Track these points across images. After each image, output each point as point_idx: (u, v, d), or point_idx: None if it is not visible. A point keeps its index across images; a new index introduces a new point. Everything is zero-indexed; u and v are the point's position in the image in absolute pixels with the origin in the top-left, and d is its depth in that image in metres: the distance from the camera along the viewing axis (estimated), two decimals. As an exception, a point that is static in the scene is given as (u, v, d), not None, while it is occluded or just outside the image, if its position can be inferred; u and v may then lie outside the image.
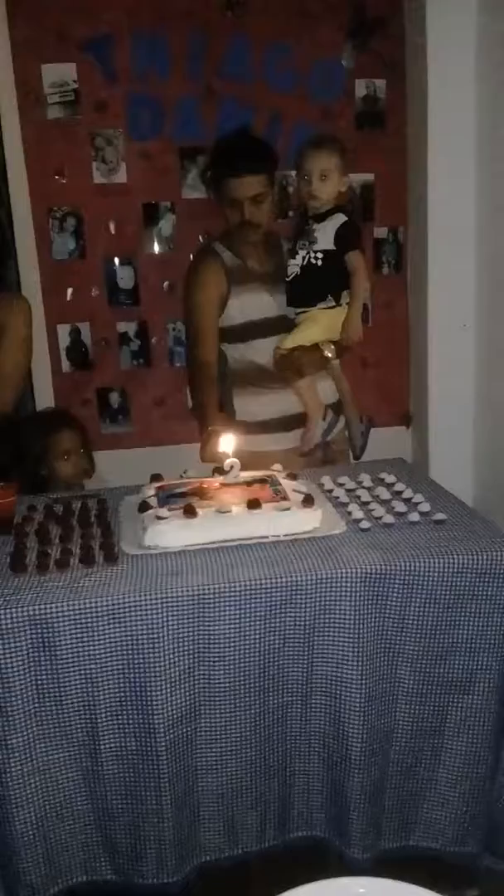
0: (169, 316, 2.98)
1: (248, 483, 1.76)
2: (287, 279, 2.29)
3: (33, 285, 2.84)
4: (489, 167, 2.66)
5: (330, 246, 2.19)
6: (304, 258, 2.23)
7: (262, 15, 2.80)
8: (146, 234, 2.93)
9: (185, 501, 1.65)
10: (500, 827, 1.59)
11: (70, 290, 2.93)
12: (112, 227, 2.91)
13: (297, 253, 2.25)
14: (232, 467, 1.76)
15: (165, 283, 2.97)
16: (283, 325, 2.32)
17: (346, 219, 2.20)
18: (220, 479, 1.78)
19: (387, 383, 3.11)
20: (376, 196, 3.01)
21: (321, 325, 2.27)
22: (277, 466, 1.91)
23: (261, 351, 2.34)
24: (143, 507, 1.67)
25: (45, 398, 2.93)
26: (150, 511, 1.64)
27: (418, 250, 2.91)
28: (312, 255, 2.21)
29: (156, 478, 1.86)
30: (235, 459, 1.76)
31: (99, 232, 2.90)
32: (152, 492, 1.76)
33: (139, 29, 2.76)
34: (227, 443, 1.79)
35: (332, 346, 2.27)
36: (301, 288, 2.26)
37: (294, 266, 2.26)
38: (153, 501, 1.69)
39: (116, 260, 2.94)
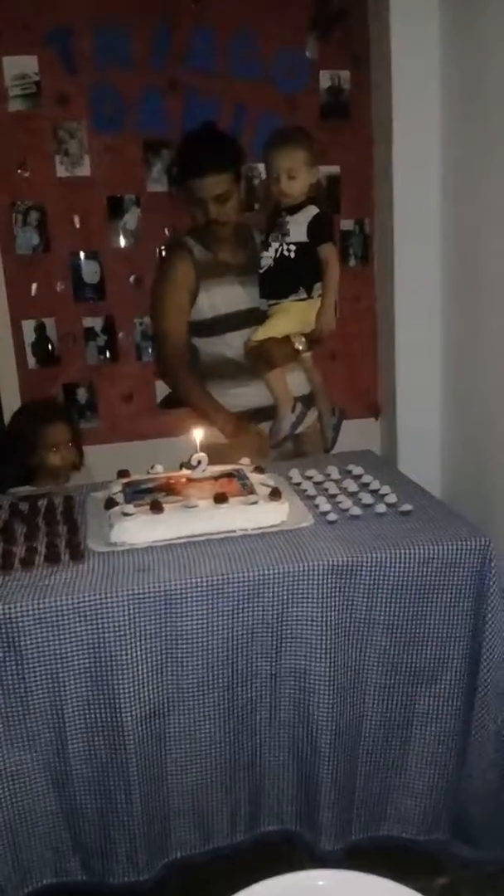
0: (136, 311, 2.95)
1: (216, 477, 1.75)
2: (260, 271, 2.28)
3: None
4: (454, 158, 2.67)
5: (303, 238, 2.19)
6: (276, 250, 2.22)
7: (226, 5, 2.78)
8: (111, 228, 2.91)
9: (151, 497, 1.64)
10: (468, 814, 1.61)
11: (34, 285, 2.89)
12: (76, 220, 2.88)
13: (269, 245, 2.24)
14: (199, 462, 1.75)
15: (132, 278, 2.95)
16: (254, 318, 2.31)
17: (318, 211, 2.20)
18: (187, 473, 1.77)
19: (355, 375, 3.12)
20: (342, 187, 3.01)
21: (293, 317, 2.27)
22: (245, 460, 1.90)
23: (232, 344, 2.33)
24: (110, 503, 1.66)
25: (10, 394, 2.89)
26: (117, 507, 1.62)
27: (384, 242, 2.91)
28: (285, 247, 2.21)
29: (122, 474, 1.84)
30: (203, 454, 1.75)
31: (63, 226, 2.87)
32: (119, 488, 1.74)
33: (101, 20, 2.73)
34: (196, 436, 1.78)
35: (304, 339, 2.27)
36: (274, 280, 2.25)
37: (267, 258, 2.25)
38: (119, 498, 1.67)
39: (82, 254, 2.91)
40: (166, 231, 2.90)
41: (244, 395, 2.36)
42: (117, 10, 2.73)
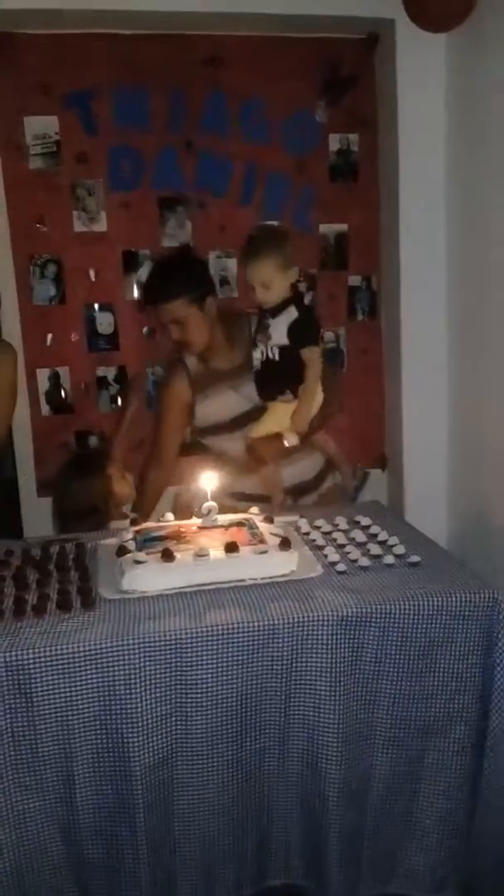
0: (148, 361, 3.01)
1: (226, 526, 1.78)
2: (254, 371, 2.30)
3: (14, 330, 2.87)
4: (458, 218, 2.75)
5: (284, 341, 2.19)
6: (262, 353, 2.25)
7: (240, 72, 2.90)
8: (126, 281, 2.98)
9: (162, 545, 1.66)
10: (478, 872, 1.59)
11: (50, 335, 2.96)
12: (92, 273, 2.95)
13: (257, 346, 2.27)
14: (209, 511, 1.77)
15: (145, 329, 3.01)
16: (256, 416, 2.33)
17: (297, 315, 2.19)
18: (197, 522, 1.79)
19: (362, 427, 3.15)
20: (349, 245, 3.09)
21: (280, 417, 2.26)
22: (254, 510, 1.93)
23: (235, 442, 2.37)
24: (121, 550, 1.68)
25: (23, 441, 2.94)
26: (128, 555, 1.64)
27: (391, 297, 2.99)
28: (270, 350, 2.22)
29: (134, 521, 1.87)
30: (213, 503, 1.78)
31: (79, 278, 2.95)
32: (130, 535, 1.77)
33: (120, 84, 2.84)
34: (208, 483, 1.80)
35: (296, 436, 2.23)
36: (263, 381, 2.27)
37: (256, 360, 2.28)
38: (131, 545, 1.70)
39: (96, 306, 2.98)
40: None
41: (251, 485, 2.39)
42: (135, 75, 2.84)
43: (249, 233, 2.30)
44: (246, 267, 2.19)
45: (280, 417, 2.25)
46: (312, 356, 2.19)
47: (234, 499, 2.31)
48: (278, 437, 2.24)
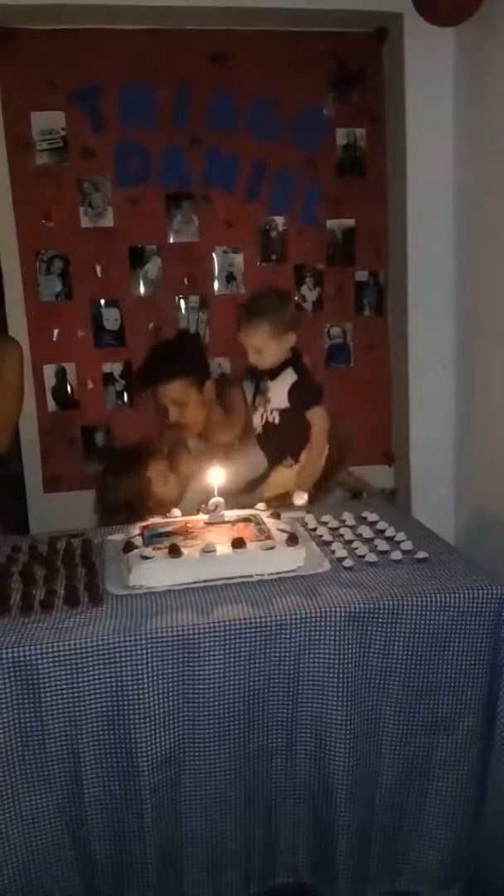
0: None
1: (233, 522, 1.77)
2: (256, 435, 2.30)
3: (20, 326, 2.87)
4: (466, 213, 2.74)
5: (285, 404, 2.19)
6: (262, 416, 2.24)
7: (247, 67, 2.89)
8: (132, 277, 2.98)
9: (169, 541, 1.66)
10: (486, 870, 1.59)
11: (56, 331, 2.96)
12: (98, 269, 2.95)
13: (256, 409, 2.27)
14: (216, 506, 1.77)
15: (151, 325, 3.01)
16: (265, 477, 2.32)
17: (296, 377, 2.18)
18: (204, 518, 1.79)
19: (369, 422, 3.15)
20: (357, 240, 3.08)
21: (283, 479, 2.27)
22: (261, 505, 1.93)
23: (249, 498, 2.33)
24: (128, 546, 1.68)
25: (30, 436, 2.95)
26: (135, 551, 1.64)
27: (398, 293, 2.98)
28: (269, 413, 2.22)
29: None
30: (220, 499, 1.78)
31: (85, 274, 2.94)
32: (137, 531, 1.77)
33: (127, 80, 2.84)
34: (216, 479, 1.80)
35: (305, 495, 2.21)
36: (265, 445, 2.27)
37: (257, 424, 2.28)
38: (138, 541, 1.70)
39: (102, 302, 2.98)
40: (186, 281, 2.98)
41: None
42: (141, 70, 2.83)
43: (249, 297, 2.35)
44: (242, 330, 2.19)
45: (284, 480, 2.25)
46: (316, 416, 2.19)
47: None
48: (287, 495, 2.22)
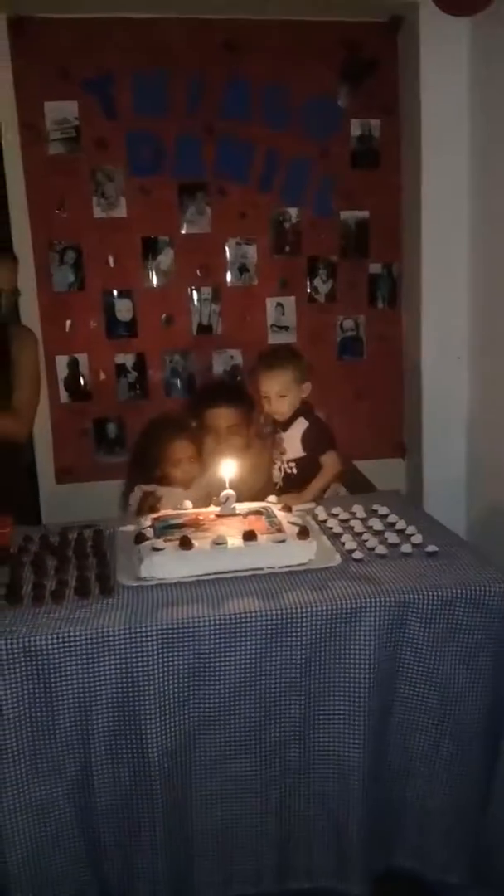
0: (166, 348, 3.01)
1: (244, 515, 1.78)
2: (277, 487, 2.32)
3: (33, 317, 2.87)
4: (482, 205, 2.72)
5: (300, 453, 2.25)
6: (280, 468, 2.30)
7: (260, 56, 2.87)
8: (145, 268, 2.97)
9: (181, 533, 1.67)
10: (490, 859, 1.59)
11: (69, 322, 2.96)
12: (111, 260, 2.95)
13: (274, 463, 2.32)
14: (228, 499, 1.78)
15: (163, 316, 3.01)
16: None
17: (307, 424, 2.25)
18: (216, 510, 1.80)
19: (381, 415, 3.14)
20: (371, 232, 3.06)
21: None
22: (272, 498, 1.93)
23: None
24: (140, 538, 1.68)
25: (42, 427, 2.95)
26: (147, 542, 1.65)
27: (412, 285, 2.96)
28: (286, 465, 2.28)
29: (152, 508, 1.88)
30: (231, 491, 1.78)
31: (98, 265, 2.94)
32: (148, 523, 1.77)
33: (140, 69, 2.82)
34: (227, 471, 1.81)
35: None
36: (282, 493, 2.26)
37: (276, 477, 2.32)
38: (149, 533, 1.70)
39: (115, 292, 2.98)
40: (198, 272, 2.97)
41: None
42: (155, 60, 2.82)
43: (265, 351, 2.44)
44: (260, 379, 2.26)
45: None
46: (330, 460, 2.24)
47: None
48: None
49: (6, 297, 2.24)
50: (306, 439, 2.23)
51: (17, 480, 2.43)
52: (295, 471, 2.25)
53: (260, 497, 2.04)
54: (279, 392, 2.23)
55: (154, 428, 2.52)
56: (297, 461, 2.25)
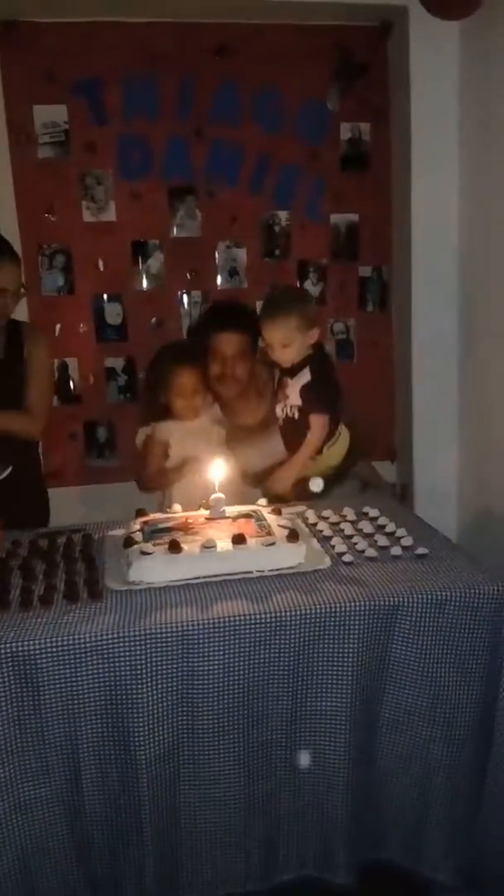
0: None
1: (233, 518, 1.77)
2: (279, 426, 2.29)
3: (22, 320, 2.86)
4: (471, 208, 2.73)
5: (298, 402, 2.18)
6: (282, 410, 2.24)
7: (250, 60, 2.88)
8: (135, 271, 2.97)
9: (170, 536, 1.66)
10: (482, 864, 1.59)
11: (58, 326, 2.96)
12: (101, 264, 2.95)
13: (278, 403, 2.26)
14: (217, 502, 1.77)
15: (153, 319, 3.00)
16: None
17: (309, 378, 2.15)
18: (205, 513, 1.79)
19: (372, 418, 3.14)
20: (360, 235, 3.07)
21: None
22: (262, 501, 1.92)
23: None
24: (128, 542, 1.67)
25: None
26: (135, 546, 1.64)
27: (402, 288, 2.97)
28: (289, 409, 2.21)
29: (141, 512, 1.87)
30: (221, 494, 1.77)
31: (88, 269, 2.94)
32: (137, 526, 1.76)
33: (129, 72, 2.82)
34: (216, 474, 1.80)
35: (321, 481, 2.19)
36: (286, 437, 2.26)
37: (279, 416, 2.27)
38: (138, 536, 1.69)
39: (105, 296, 2.98)
40: (188, 276, 2.97)
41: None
42: (144, 63, 2.82)
43: (268, 292, 2.30)
44: (264, 328, 2.14)
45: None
46: (317, 423, 2.15)
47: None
48: (302, 480, 2.20)
49: (11, 297, 2.22)
50: (303, 393, 2.14)
51: (32, 480, 2.40)
52: (296, 416, 2.18)
53: (262, 431, 2.04)
54: (282, 342, 2.11)
55: (161, 355, 2.42)
56: (299, 408, 2.18)
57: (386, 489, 2.49)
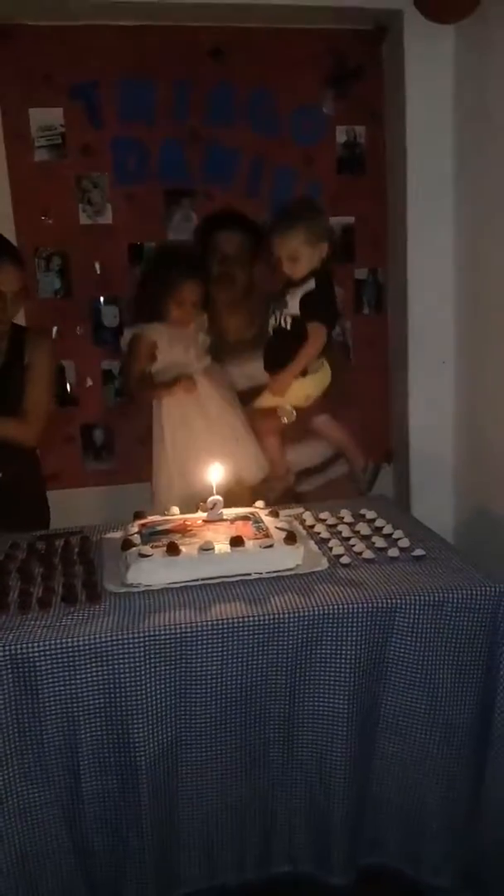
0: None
1: (231, 520, 1.78)
2: (267, 340, 2.28)
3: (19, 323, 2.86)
4: (467, 210, 2.74)
5: (296, 312, 2.16)
6: (276, 321, 2.22)
7: (246, 63, 2.88)
8: (131, 274, 2.97)
9: (168, 539, 1.66)
10: (480, 863, 1.59)
11: (55, 329, 2.95)
12: (97, 266, 2.95)
13: (272, 315, 2.25)
14: (215, 504, 1.77)
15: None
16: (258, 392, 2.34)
17: (313, 286, 2.15)
18: (203, 515, 1.79)
19: (368, 420, 3.14)
20: (356, 238, 3.07)
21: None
22: (260, 503, 1.93)
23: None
24: (126, 544, 1.68)
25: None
26: (134, 549, 1.64)
27: (398, 291, 2.97)
28: (283, 319, 2.20)
29: (139, 515, 1.87)
30: (219, 497, 1.78)
31: (84, 272, 2.94)
32: (135, 529, 1.77)
33: (125, 75, 2.83)
34: (214, 475, 1.80)
35: (292, 411, 2.22)
36: (272, 351, 2.25)
37: (270, 328, 2.26)
38: (136, 539, 1.70)
39: (101, 299, 2.98)
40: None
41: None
42: (140, 66, 2.83)
43: (281, 206, 2.29)
44: (272, 243, 2.14)
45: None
46: (316, 333, 2.14)
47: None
48: (274, 411, 2.21)
49: (12, 301, 2.22)
50: (304, 301, 2.14)
51: (32, 483, 2.40)
52: (289, 328, 2.17)
53: (249, 351, 2.14)
54: (290, 255, 2.11)
55: (163, 260, 2.42)
56: (294, 319, 2.17)
57: (357, 461, 2.45)
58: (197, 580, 1.58)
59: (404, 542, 1.74)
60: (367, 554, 1.69)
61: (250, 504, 1.93)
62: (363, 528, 1.85)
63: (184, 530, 1.73)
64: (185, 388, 2.25)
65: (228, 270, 2.34)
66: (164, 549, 1.61)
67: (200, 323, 2.40)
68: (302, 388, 2.21)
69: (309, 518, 1.95)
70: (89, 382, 3.02)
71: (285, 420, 2.21)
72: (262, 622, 1.45)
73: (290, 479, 2.38)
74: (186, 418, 2.21)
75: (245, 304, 2.39)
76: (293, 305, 2.15)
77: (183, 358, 2.29)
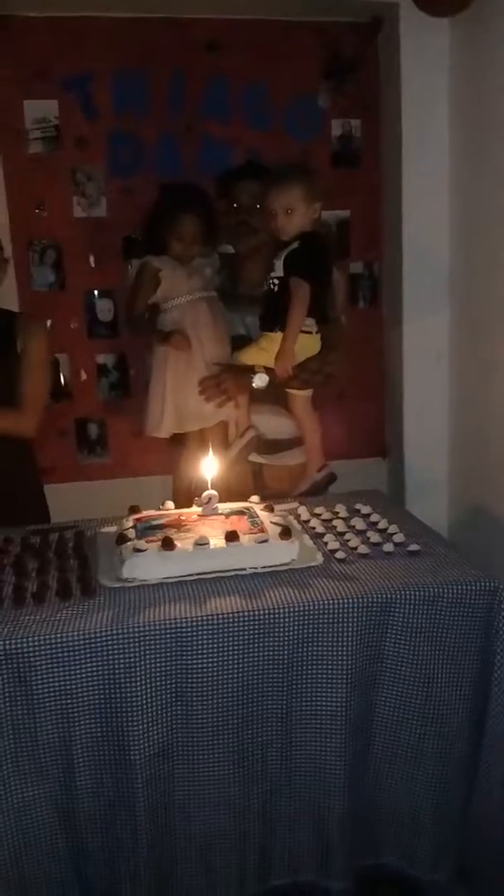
0: (147, 348, 2.99)
1: (226, 515, 1.77)
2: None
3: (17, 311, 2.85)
4: (462, 204, 2.73)
5: (281, 272, 2.18)
6: (266, 283, 2.24)
7: (241, 56, 2.87)
8: (126, 267, 2.95)
9: (163, 533, 1.66)
10: (473, 858, 1.60)
11: (49, 322, 2.93)
12: (92, 259, 2.94)
13: (267, 282, 2.25)
14: (210, 499, 1.77)
15: (145, 315, 2.99)
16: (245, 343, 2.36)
17: (296, 246, 2.16)
18: (198, 510, 1.79)
19: (363, 415, 3.15)
20: (351, 232, 3.07)
21: (262, 349, 2.24)
22: (255, 498, 1.93)
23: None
24: (121, 539, 1.67)
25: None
26: (128, 543, 1.64)
27: (393, 285, 2.97)
28: (272, 281, 2.21)
29: (133, 509, 1.87)
30: (214, 491, 1.78)
31: (79, 265, 2.93)
32: (130, 523, 1.76)
33: (120, 68, 2.81)
34: (209, 470, 1.80)
35: (265, 376, 2.20)
36: (262, 311, 2.27)
37: (262, 291, 2.28)
38: (131, 533, 1.69)
39: (96, 292, 2.97)
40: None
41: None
42: (135, 59, 2.81)
43: (276, 167, 2.32)
44: (268, 195, 2.16)
45: (262, 350, 2.23)
46: (297, 289, 2.12)
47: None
48: (248, 370, 2.21)
49: None
50: (287, 260, 2.15)
51: (25, 480, 2.35)
52: (276, 289, 2.19)
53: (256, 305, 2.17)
54: (286, 206, 2.13)
55: (161, 195, 2.44)
56: (280, 280, 2.18)
57: (313, 463, 2.34)
58: (192, 575, 1.58)
59: (399, 538, 1.74)
60: (363, 549, 1.69)
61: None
62: (358, 523, 1.85)
63: (179, 525, 1.73)
64: (176, 345, 2.29)
65: (245, 219, 2.36)
66: (159, 543, 1.60)
67: (212, 260, 2.43)
68: (276, 346, 2.20)
69: (304, 513, 1.95)
70: (83, 376, 3.01)
71: (255, 384, 2.20)
72: (257, 617, 1.45)
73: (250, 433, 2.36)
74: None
75: (260, 252, 2.40)
76: (279, 267, 2.18)
77: (185, 286, 2.33)
